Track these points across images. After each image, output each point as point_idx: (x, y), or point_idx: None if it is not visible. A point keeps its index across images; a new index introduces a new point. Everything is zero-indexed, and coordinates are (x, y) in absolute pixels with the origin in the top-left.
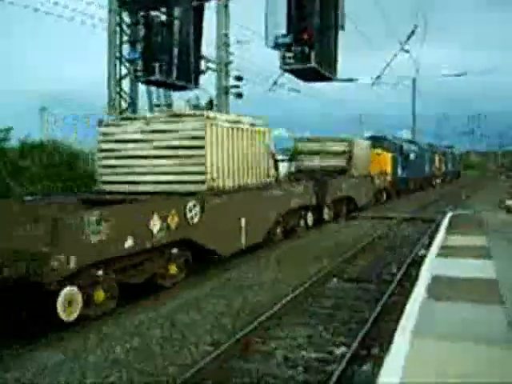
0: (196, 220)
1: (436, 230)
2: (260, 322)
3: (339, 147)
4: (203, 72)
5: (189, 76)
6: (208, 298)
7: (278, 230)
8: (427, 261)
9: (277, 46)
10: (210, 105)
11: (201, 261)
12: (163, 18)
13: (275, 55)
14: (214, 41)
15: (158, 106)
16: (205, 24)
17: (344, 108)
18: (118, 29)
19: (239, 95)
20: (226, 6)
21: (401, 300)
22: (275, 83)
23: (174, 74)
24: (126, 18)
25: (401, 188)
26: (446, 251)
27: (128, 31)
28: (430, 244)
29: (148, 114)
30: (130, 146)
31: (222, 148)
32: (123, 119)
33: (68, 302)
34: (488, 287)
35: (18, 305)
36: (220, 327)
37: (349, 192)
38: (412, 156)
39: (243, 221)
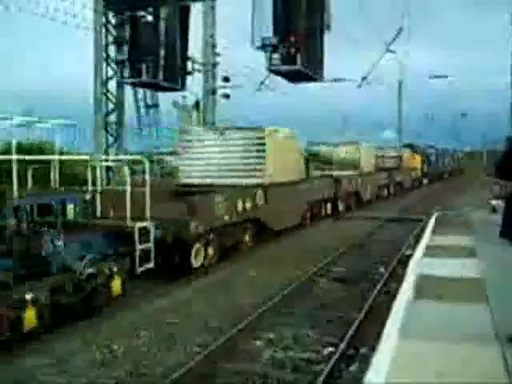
0: None
1: (423, 228)
2: None
3: (394, 154)
4: (190, 73)
5: (175, 77)
6: (195, 299)
7: (387, 190)
8: (413, 260)
9: (263, 48)
10: (196, 106)
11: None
12: (149, 18)
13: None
14: (200, 42)
15: (151, 106)
16: (191, 25)
17: (329, 108)
18: (103, 29)
19: (226, 96)
20: (213, 8)
21: None
22: (262, 84)
23: (161, 76)
24: (112, 19)
25: (425, 178)
26: (431, 251)
27: (114, 32)
28: (416, 243)
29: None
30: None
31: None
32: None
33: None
34: (474, 286)
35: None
36: (207, 328)
37: (400, 179)
38: (432, 157)
39: None
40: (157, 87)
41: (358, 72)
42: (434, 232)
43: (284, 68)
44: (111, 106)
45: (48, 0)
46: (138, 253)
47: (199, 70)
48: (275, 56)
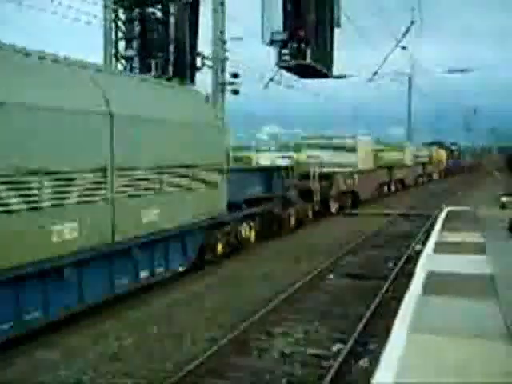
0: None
1: (433, 224)
2: None
3: (426, 151)
4: (199, 69)
5: (185, 73)
6: (206, 293)
7: (422, 179)
8: (423, 256)
9: (273, 43)
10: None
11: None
12: (159, 14)
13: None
14: (210, 37)
15: None
16: (201, 21)
17: (339, 104)
18: (113, 25)
19: (235, 92)
20: (222, 3)
21: None
22: (271, 80)
23: (170, 71)
24: (122, 15)
25: (448, 171)
26: (441, 247)
27: (124, 28)
28: (426, 239)
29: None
30: None
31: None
32: None
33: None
34: (483, 282)
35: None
36: (217, 323)
37: (430, 171)
38: (455, 153)
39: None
40: None
41: (368, 67)
42: (444, 228)
43: (294, 63)
44: None
45: None
46: (314, 201)
47: (209, 66)
48: (285, 51)
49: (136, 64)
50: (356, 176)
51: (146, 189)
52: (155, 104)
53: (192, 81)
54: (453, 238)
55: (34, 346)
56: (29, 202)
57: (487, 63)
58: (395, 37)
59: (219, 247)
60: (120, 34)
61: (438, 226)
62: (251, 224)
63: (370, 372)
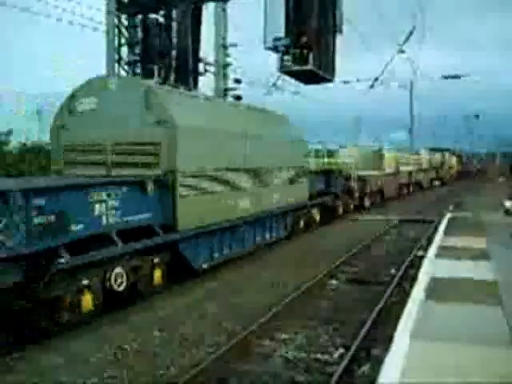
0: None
1: (436, 229)
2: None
3: (439, 157)
4: (201, 74)
5: (187, 78)
6: (207, 299)
7: (436, 182)
8: (426, 262)
9: (275, 49)
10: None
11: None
12: (161, 20)
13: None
14: (212, 43)
15: None
16: (203, 26)
17: (342, 110)
18: (116, 31)
19: (238, 97)
20: (224, 9)
21: None
22: (274, 85)
23: (173, 77)
24: (125, 21)
25: (458, 175)
26: (444, 252)
27: (126, 33)
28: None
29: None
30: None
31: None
32: None
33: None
34: (487, 288)
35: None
36: (220, 329)
37: (443, 175)
38: (464, 159)
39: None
40: None
41: (371, 73)
42: (446, 233)
43: (296, 69)
44: None
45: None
46: (355, 197)
47: (211, 71)
48: (287, 57)
49: (138, 69)
50: (383, 178)
51: (275, 179)
52: (274, 128)
53: (194, 86)
54: (456, 243)
55: (36, 351)
56: (231, 186)
57: (488, 68)
58: (397, 42)
59: (301, 224)
60: (122, 40)
61: (440, 231)
62: (318, 210)
63: (372, 378)
